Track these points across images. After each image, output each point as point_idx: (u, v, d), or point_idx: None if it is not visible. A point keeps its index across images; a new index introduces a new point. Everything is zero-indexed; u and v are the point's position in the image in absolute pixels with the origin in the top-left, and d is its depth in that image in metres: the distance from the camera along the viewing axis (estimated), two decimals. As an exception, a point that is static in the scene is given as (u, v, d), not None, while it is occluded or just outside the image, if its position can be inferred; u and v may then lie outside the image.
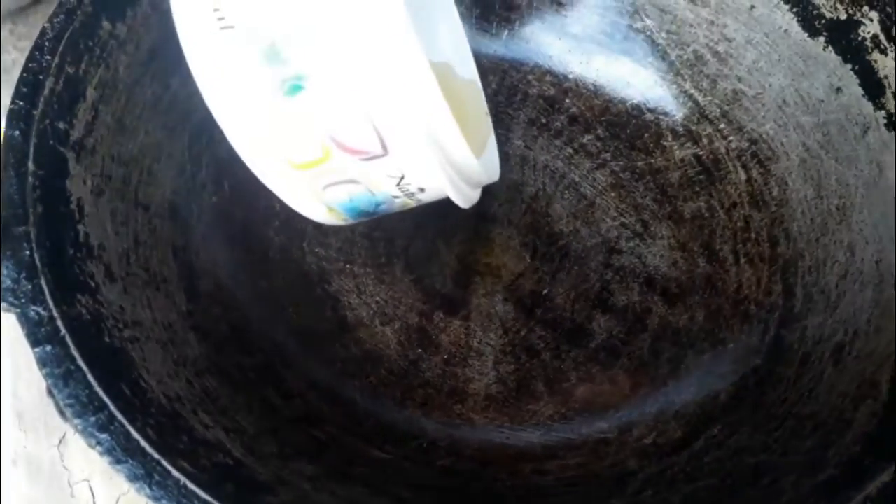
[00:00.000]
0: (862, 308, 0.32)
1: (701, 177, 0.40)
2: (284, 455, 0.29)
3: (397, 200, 0.29)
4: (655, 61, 0.41)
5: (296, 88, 0.25)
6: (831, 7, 0.35)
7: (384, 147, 0.26)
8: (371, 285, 0.38)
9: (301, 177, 0.27)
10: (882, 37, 0.34)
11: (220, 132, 0.37)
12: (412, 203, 0.30)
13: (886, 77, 0.34)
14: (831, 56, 0.35)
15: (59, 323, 0.25)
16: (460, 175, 0.28)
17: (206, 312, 0.32)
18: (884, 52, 0.34)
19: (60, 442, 0.32)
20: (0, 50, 0.47)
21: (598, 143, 0.42)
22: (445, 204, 0.40)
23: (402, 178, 0.27)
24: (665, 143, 0.41)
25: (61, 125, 0.29)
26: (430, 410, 0.35)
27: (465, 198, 0.30)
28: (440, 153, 0.26)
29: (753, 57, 0.38)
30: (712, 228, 0.39)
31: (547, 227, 0.40)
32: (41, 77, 0.29)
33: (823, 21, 0.35)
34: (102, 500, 0.31)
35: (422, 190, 0.28)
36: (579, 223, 0.40)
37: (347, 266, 0.38)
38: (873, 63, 0.34)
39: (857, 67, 0.35)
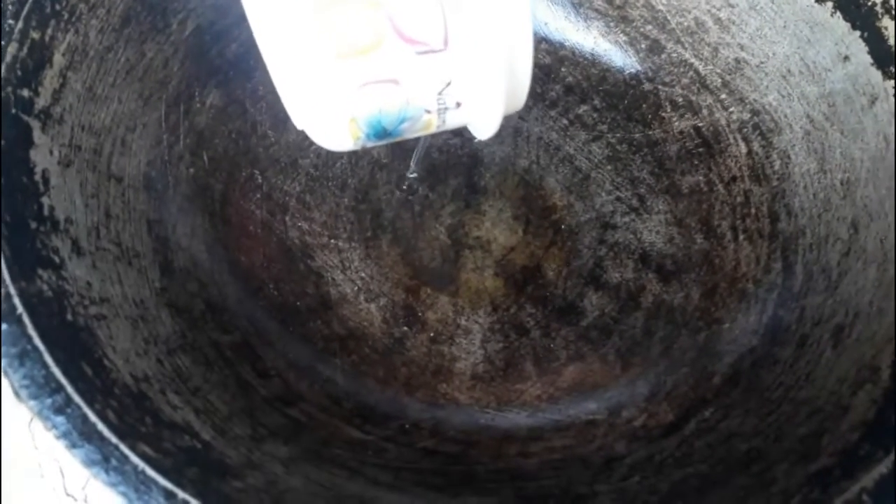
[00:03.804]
0: (864, 288, 0.30)
1: (700, 149, 0.38)
2: (258, 436, 0.28)
3: (424, 118, 0.27)
4: (655, 29, 0.39)
5: None
6: (840, -30, 0.33)
7: (445, 40, 0.24)
8: (356, 260, 0.36)
9: (342, 70, 0.24)
10: (893, 1, 0.32)
11: (199, 101, 0.36)
12: (433, 126, 0.28)
13: (896, 44, 0.32)
14: (839, 22, 0.34)
15: (17, 300, 0.24)
16: (510, 85, 0.26)
17: (180, 288, 0.31)
18: (894, 17, 0.32)
19: (31, 421, 0.31)
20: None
21: (595, 115, 0.40)
22: (435, 172, 0.39)
23: (449, 84, 0.25)
24: (664, 114, 0.39)
25: (25, 93, 0.28)
26: (413, 390, 0.33)
27: (497, 120, 0.27)
28: (506, 52, 0.24)
29: (757, 24, 0.36)
30: (711, 203, 0.37)
31: (540, 200, 0.39)
32: (3, 43, 0.28)
33: (832, -15, 0.34)
34: (72, 482, 0.30)
35: (458, 105, 0.26)
36: (573, 197, 0.39)
37: (332, 241, 0.37)
38: (883, 30, 0.32)
39: (865, 34, 0.33)
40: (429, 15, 0.23)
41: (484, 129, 0.28)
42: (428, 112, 0.26)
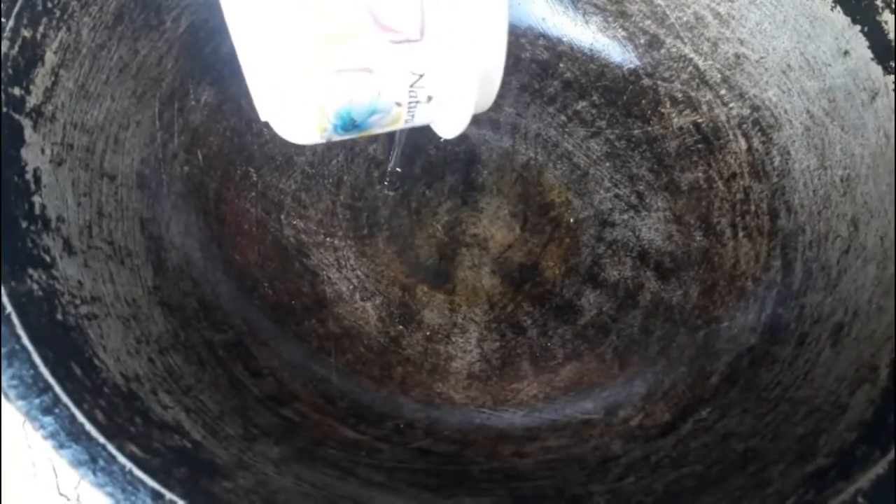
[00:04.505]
0: (863, 286, 0.30)
1: (700, 146, 0.38)
2: (250, 436, 0.28)
3: (393, 112, 0.27)
4: (654, 24, 0.39)
5: None
6: (840, -37, 0.33)
7: (421, 30, 0.24)
8: (352, 258, 0.36)
9: (315, 54, 0.24)
10: (894, -5, 0.31)
11: (193, 99, 0.35)
12: (402, 121, 0.27)
13: (897, 39, 0.31)
14: (839, 17, 0.33)
15: (6, 300, 0.24)
16: (482, 82, 0.26)
17: (174, 287, 0.31)
18: (895, 12, 0.31)
19: (25, 421, 0.31)
20: None
21: (593, 111, 0.40)
22: (432, 169, 0.38)
23: (421, 76, 0.25)
24: (663, 110, 0.39)
25: (17, 91, 0.28)
26: (408, 389, 0.33)
27: (466, 118, 0.27)
28: (481, 47, 0.24)
29: (757, 18, 0.36)
30: (710, 200, 0.37)
31: (538, 197, 0.38)
32: (-6, 40, 0.28)
33: (832, -21, 0.33)
34: (65, 481, 0.30)
35: (429, 99, 0.26)
36: (571, 194, 0.38)
37: (327, 239, 0.36)
38: (883, 24, 0.32)
39: (866, 29, 0.32)
40: (407, 4, 0.23)
41: (451, 126, 0.28)
42: (398, 105, 0.26)
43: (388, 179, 0.37)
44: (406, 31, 0.23)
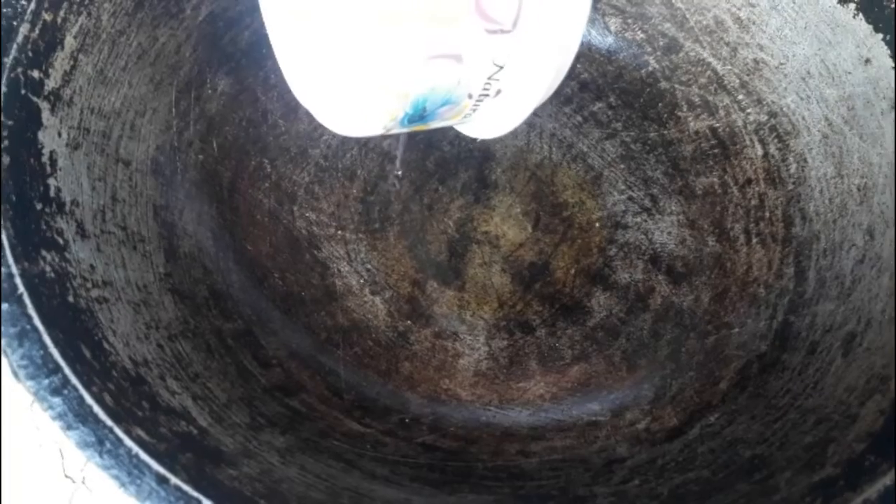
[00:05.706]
0: (877, 296, 0.30)
1: (715, 151, 0.38)
2: (256, 425, 0.28)
3: (462, 104, 0.26)
4: (673, 27, 0.38)
5: None
6: (864, -29, 0.32)
7: (515, 21, 0.23)
8: (363, 252, 0.36)
9: (420, 37, 0.22)
10: (917, 4, 0.31)
11: (210, 88, 0.35)
12: (461, 115, 0.26)
13: (920, 48, 0.31)
14: (861, 25, 0.33)
15: (18, 280, 0.24)
16: (554, 77, 0.26)
17: (185, 275, 0.31)
18: (918, 20, 0.31)
19: (33, 402, 0.31)
20: None
21: (610, 112, 0.40)
22: (446, 165, 0.38)
23: (501, 69, 0.25)
24: (680, 113, 0.39)
25: (35, 74, 0.28)
26: (415, 385, 0.33)
27: (526, 112, 0.27)
28: (558, 42, 0.25)
29: (778, 24, 0.36)
30: (724, 206, 0.37)
31: (551, 196, 0.38)
32: (14, 23, 0.28)
33: (855, -14, 0.33)
34: (71, 463, 0.30)
35: (497, 93, 0.26)
36: (585, 195, 0.38)
37: (339, 232, 0.36)
38: (906, 33, 0.31)
39: (888, 37, 0.32)
40: None
41: (503, 123, 0.27)
42: (469, 97, 0.25)
43: (392, 182, 0.37)
44: (502, 20, 0.23)
